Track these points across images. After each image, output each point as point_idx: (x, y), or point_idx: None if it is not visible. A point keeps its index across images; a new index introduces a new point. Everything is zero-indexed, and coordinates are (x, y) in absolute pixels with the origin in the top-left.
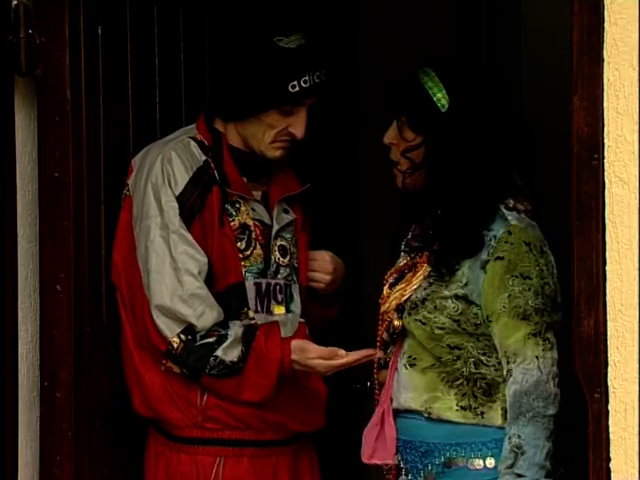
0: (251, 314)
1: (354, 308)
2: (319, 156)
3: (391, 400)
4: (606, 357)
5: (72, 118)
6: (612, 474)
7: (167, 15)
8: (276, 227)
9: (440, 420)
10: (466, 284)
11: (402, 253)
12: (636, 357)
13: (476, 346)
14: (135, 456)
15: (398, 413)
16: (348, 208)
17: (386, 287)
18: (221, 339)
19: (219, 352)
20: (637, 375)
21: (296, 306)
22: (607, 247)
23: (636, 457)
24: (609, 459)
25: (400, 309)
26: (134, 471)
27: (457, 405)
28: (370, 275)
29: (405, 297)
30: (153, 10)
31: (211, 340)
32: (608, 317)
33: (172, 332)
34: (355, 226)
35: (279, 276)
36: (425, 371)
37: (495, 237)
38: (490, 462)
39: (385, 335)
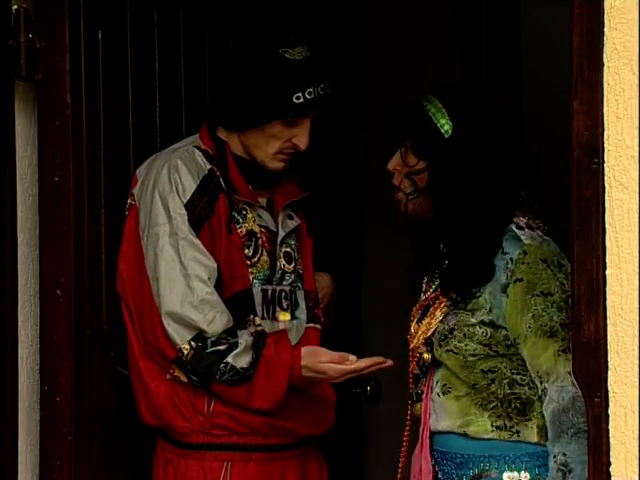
0: (257, 321)
1: (354, 311)
2: (319, 161)
3: (429, 429)
4: (606, 361)
5: (72, 123)
6: (612, 478)
7: (167, 20)
8: (282, 234)
9: (475, 438)
10: (490, 310)
11: (425, 287)
12: (636, 361)
13: (510, 366)
14: (135, 461)
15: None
16: (349, 212)
17: (414, 323)
18: (231, 347)
19: (230, 359)
20: (637, 379)
21: (301, 312)
22: (607, 251)
23: (636, 461)
24: (609, 463)
25: (428, 342)
26: (134, 476)
27: (492, 426)
28: (370, 279)
29: (431, 330)
30: (153, 15)
31: (222, 348)
32: (608, 321)
33: (182, 339)
34: (356, 229)
35: (284, 283)
36: (459, 398)
37: (512, 260)
38: (525, 476)
39: (416, 369)
